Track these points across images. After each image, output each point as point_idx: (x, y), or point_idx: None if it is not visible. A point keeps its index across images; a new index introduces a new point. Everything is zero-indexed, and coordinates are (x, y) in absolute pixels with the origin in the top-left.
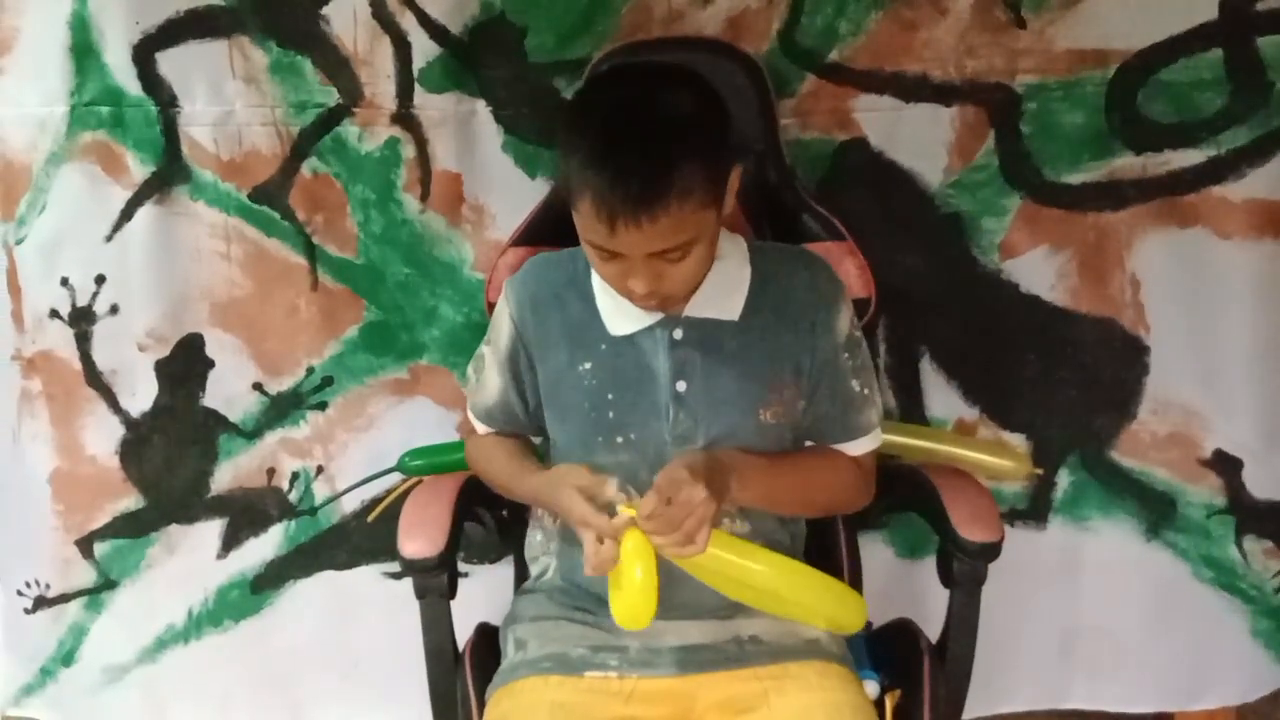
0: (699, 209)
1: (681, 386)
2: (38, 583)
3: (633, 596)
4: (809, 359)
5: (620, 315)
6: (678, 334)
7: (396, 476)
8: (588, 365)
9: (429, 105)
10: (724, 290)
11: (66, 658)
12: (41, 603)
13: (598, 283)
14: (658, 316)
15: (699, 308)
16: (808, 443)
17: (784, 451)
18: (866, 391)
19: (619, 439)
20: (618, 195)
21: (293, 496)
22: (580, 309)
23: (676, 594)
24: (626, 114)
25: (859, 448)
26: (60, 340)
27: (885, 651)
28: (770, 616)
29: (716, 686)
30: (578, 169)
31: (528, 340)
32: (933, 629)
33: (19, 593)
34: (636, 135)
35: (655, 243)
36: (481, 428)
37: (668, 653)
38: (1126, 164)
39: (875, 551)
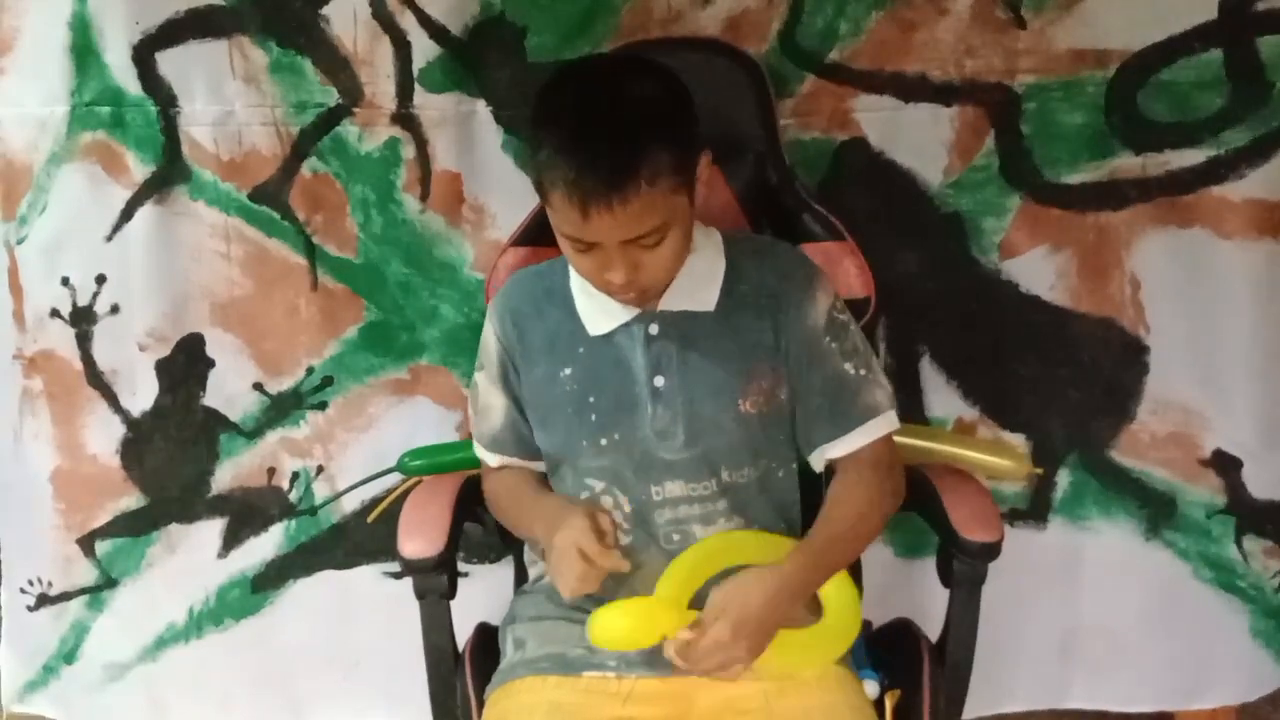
0: (669, 193)
1: (659, 381)
2: (40, 580)
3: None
4: (785, 345)
5: (598, 314)
6: (653, 329)
7: (396, 476)
8: (568, 371)
9: (429, 105)
10: (698, 282)
11: (69, 655)
12: (44, 600)
13: (576, 285)
14: (634, 313)
15: (674, 301)
16: (818, 456)
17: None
18: (863, 373)
19: (603, 441)
20: (588, 180)
21: (293, 496)
22: (560, 317)
23: None
24: (592, 102)
25: (866, 434)
26: (61, 340)
27: (885, 651)
28: None
29: (715, 687)
30: (548, 160)
31: (514, 355)
32: (933, 629)
33: (22, 590)
34: (603, 121)
35: (628, 228)
36: (493, 458)
37: None
38: (1126, 164)
39: (875, 551)
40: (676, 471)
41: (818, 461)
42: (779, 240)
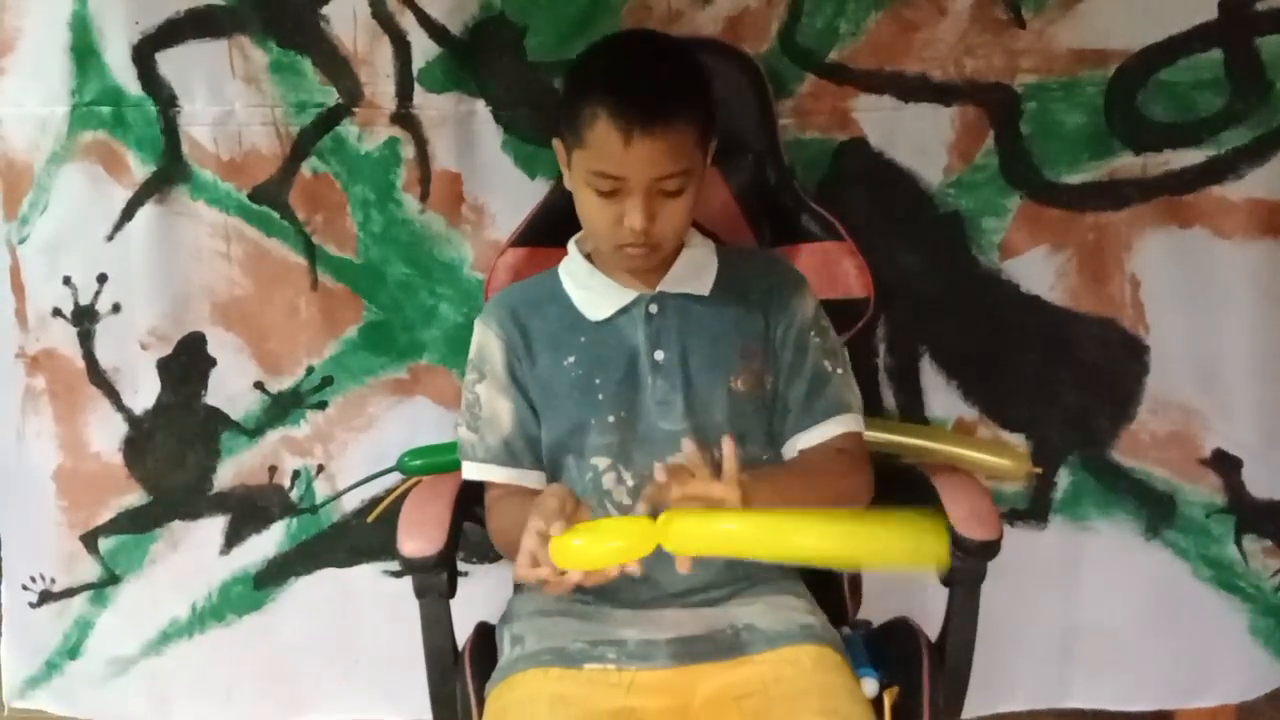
0: (696, 146)
1: (660, 355)
2: (43, 577)
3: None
4: (775, 333)
5: (598, 301)
6: (653, 308)
7: (396, 476)
8: (571, 359)
9: (429, 105)
10: (694, 270)
11: (72, 651)
12: (47, 597)
13: (569, 281)
14: (632, 296)
15: (672, 284)
16: (791, 445)
17: (775, 459)
18: (840, 371)
19: (610, 418)
20: (637, 105)
21: (294, 494)
22: (558, 313)
23: (672, 582)
24: (638, 53)
25: (838, 425)
26: (63, 338)
27: (884, 649)
28: (763, 603)
29: (714, 675)
30: (593, 94)
31: (518, 350)
32: (933, 628)
33: (24, 587)
34: (650, 66)
35: (663, 161)
36: (501, 473)
37: (664, 645)
38: (1126, 164)
39: None
40: (676, 444)
41: (790, 451)
42: (765, 251)
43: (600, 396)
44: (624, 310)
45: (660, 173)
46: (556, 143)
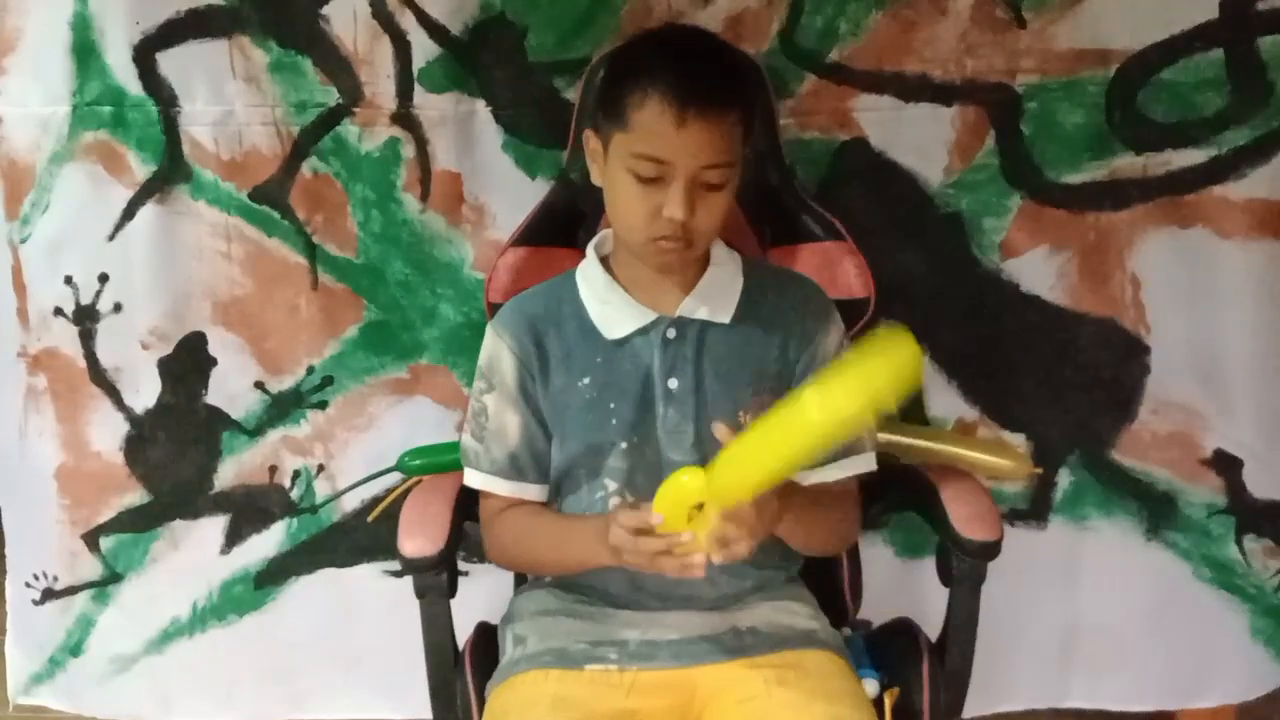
0: (741, 144)
1: (673, 383)
2: (46, 575)
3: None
4: (795, 370)
5: (616, 316)
6: (670, 333)
7: (397, 476)
8: (586, 380)
9: (429, 105)
10: (717, 295)
11: (75, 648)
12: (49, 595)
13: (589, 293)
14: (652, 317)
15: (692, 309)
16: (799, 477)
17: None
18: None
19: (623, 444)
20: (693, 87)
21: (294, 494)
22: (575, 327)
23: (676, 584)
24: (692, 39)
25: (850, 467)
26: (65, 338)
27: (884, 650)
28: (766, 607)
29: (716, 676)
30: (645, 76)
31: (532, 367)
32: (933, 629)
33: (27, 585)
34: (706, 50)
35: (712, 148)
36: (504, 485)
37: (666, 645)
38: (1127, 164)
39: (875, 551)
40: None
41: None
42: (799, 272)
43: (614, 421)
44: (641, 331)
45: (708, 160)
46: (588, 133)
